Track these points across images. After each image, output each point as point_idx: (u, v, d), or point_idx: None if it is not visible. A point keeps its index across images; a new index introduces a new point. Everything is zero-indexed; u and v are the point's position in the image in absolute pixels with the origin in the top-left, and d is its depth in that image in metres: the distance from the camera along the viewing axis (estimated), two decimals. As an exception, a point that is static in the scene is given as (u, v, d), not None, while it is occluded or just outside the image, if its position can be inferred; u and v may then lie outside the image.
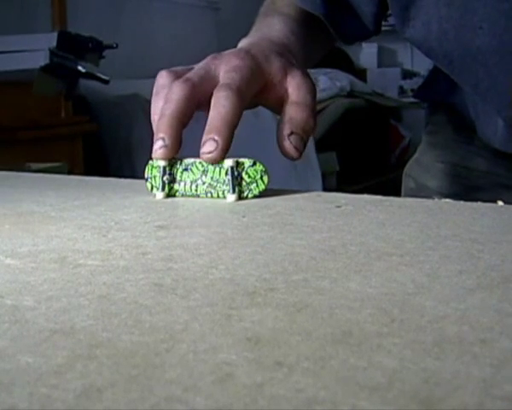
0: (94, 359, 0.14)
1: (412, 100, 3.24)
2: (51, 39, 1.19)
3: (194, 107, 0.36)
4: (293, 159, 0.37)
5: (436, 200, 0.32)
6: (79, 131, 1.66)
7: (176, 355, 0.14)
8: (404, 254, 0.22)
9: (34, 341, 0.15)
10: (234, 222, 0.28)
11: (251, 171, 0.34)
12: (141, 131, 1.64)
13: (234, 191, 0.33)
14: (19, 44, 1.21)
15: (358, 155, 2.46)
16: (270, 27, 0.45)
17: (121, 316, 0.17)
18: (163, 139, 0.34)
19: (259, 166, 0.34)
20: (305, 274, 0.20)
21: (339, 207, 0.31)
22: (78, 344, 0.15)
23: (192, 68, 0.38)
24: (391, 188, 0.58)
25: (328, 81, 2.42)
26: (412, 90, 3.33)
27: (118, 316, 0.17)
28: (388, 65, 3.36)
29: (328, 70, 2.46)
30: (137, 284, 0.20)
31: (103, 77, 1.30)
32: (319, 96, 2.22)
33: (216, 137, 0.33)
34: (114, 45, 1.29)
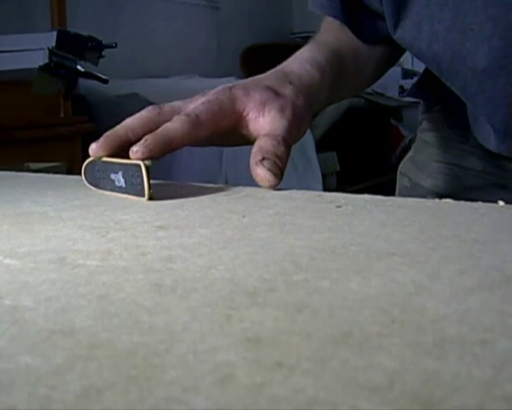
0: (93, 359, 0.14)
1: (413, 100, 3.23)
2: (50, 39, 1.19)
3: (151, 129, 0.37)
4: (271, 185, 0.36)
5: (436, 200, 0.32)
6: (78, 131, 1.66)
7: (175, 356, 0.14)
8: (405, 254, 0.22)
9: (33, 341, 0.15)
10: (234, 222, 0.28)
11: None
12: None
13: (148, 189, 0.34)
14: (18, 44, 1.21)
15: (359, 154, 2.46)
16: (294, 57, 0.46)
17: (121, 316, 0.17)
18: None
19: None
20: (305, 274, 0.20)
21: (339, 207, 0.31)
22: (77, 345, 0.15)
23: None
24: (391, 188, 0.58)
25: (328, 81, 2.41)
26: (412, 89, 3.32)
27: (117, 316, 0.17)
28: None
29: (328, 70, 2.45)
30: (137, 284, 0.20)
31: (102, 76, 1.30)
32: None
33: (148, 138, 0.35)
34: (114, 45, 1.29)
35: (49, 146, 1.54)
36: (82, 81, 1.41)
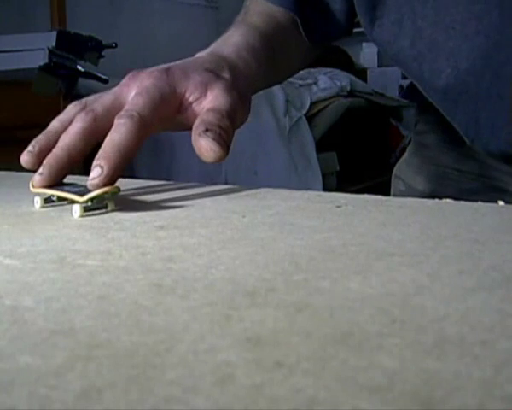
0: (93, 359, 0.14)
1: (412, 100, 3.23)
2: (50, 39, 1.19)
3: (94, 140, 0.34)
4: (216, 157, 0.33)
5: (436, 200, 0.32)
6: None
7: (175, 356, 0.14)
8: (405, 254, 0.22)
9: (33, 341, 0.15)
10: (234, 222, 0.28)
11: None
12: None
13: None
14: (18, 44, 1.21)
15: (359, 154, 2.46)
16: (226, 40, 0.44)
17: (121, 316, 0.17)
18: (42, 168, 0.33)
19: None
20: (305, 274, 0.20)
21: (339, 207, 0.31)
22: (77, 345, 0.15)
23: (107, 93, 0.37)
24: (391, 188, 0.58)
25: (329, 81, 2.42)
26: (412, 89, 3.31)
27: (117, 316, 0.17)
28: (389, 64, 3.35)
29: (329, 69, 2.45)
30: (137, 284, 0.20)
31: (102, 76, 1.30)
32: (319, 95, 2.23)
33: (102, 164, 0.31)
34: (114, 45, 1.29)
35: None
36: (82, 81, 1.40)
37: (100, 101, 0.36)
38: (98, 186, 0.31)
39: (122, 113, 0.34)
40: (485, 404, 0.12)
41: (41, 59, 1.17)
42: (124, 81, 0.37)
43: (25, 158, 0.35)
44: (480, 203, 0.31)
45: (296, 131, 2.05)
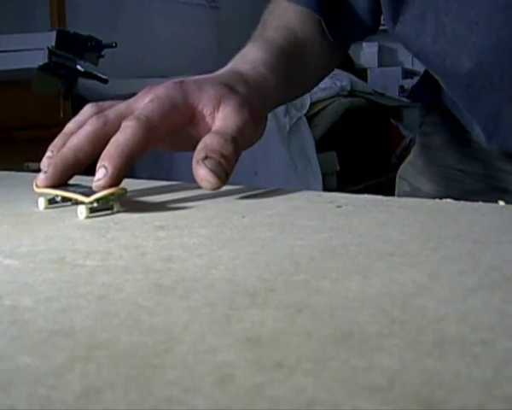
0: (93, 359, 0.14)
1: (413, 100, 3.23)
2: (50, 38, 1.19)
3: (102, 144, 0.33)
4: (212, 188, 0.32)
5: (437, 200, 0.32)
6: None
7: (175, 356, 0.14)
8: (405, 254, 0.22)
9: (33, 341, 0.15)
10: (234, 222, 0.28)
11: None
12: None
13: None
14: (17, 44, 1.21)
15: (359, 154, 2.46)
16: (244, 56, 0.43)
17: (120, 317, 0.17)
18: (47, 166, 0.33)
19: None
20: (305, 274, 0.20)
21: (339, 207, 0.31)
22: (77, 345, 0.15)
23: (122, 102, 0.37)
24: (391, 188, 0.58)
25: (329, 80, 2.42)
26: (413, 89, 3.32)
27: (117, 316, 0.17)
28: (389, 64, 3.36)
29: (328, 69, 2.45)
30: (137, 284, 0.19)
31: (102, 76, 1.30)
32: (319, 95, 2.22)
33: (106, 164, 0.31)
34: (113, 44, 1.29)
35: (48, 146, 1.54)
36: (82, 81, 1.41)
37: (113, 107, 0.36)
38: (103, 187, 0.31)
39: (129, 117, 0.34)
40: (485, 404, 0.12)
41: (40, 59, 1.17)
42: (139, 94, 0.37)
43: (44, 163, 0.34)
44: (480, 203, 0.31)
45: (296, 131, 2.05)
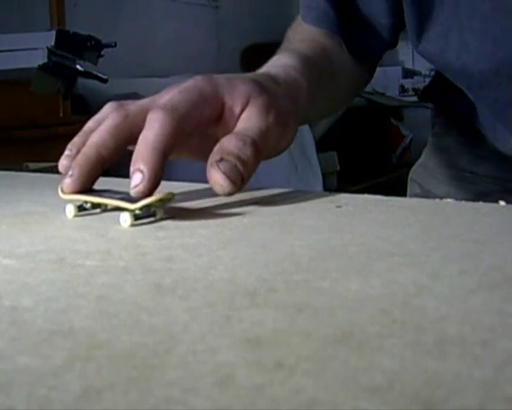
0: (93, 360, 0.14)
1: (414, 99, 3.24)
2: (49, 38, 1.19)
3: (125, 137, 0.31)
4: (225, 193, 0.30)
5: (437, 200, 0.32)
6: (78, 131, 1.65)
7: (175, 356, 0.14)
8: (405, 254, 0.22)
9: (33, 342, 0.15)
10: (234, 222, 0.28)
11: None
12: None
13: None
14: (17, 43, 1.21)
15: (359, 154, 2.46)
16: (272, 63, 0.41)
17: (120, 317, 0.17)
18: (72, 169, 0.31)
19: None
20: (305, 275, 0.20)
21: (339, 207, 0.31)
22: (76, 345, 0.15)
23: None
24: (392, 188, 0.58)
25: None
26: (414, 89, 3.33)
27: (117, 317, 0.17)
28: (389, 64, 3.36)
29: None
30: (137, 284, 0.19)
31: (102, 76, 1.30)
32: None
33: (141, 168, 0.29)
34: (113, 44, 1.29)
35: (48, 146, 1.54)
36: (81, 81, 1.40)
37: (139, 101, 0.34)
38: (143, 193, 0.28)
39: (154, 108, 0.31)
40: (485, 404, 0.12)
41: (40, 58, 1.17)
42: (165, 90, 0.34)
43: (63, 163, 0.32)
44: (480, 203, 0.31)
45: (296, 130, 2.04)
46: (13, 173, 0.49)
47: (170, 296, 0.18)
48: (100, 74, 1.29)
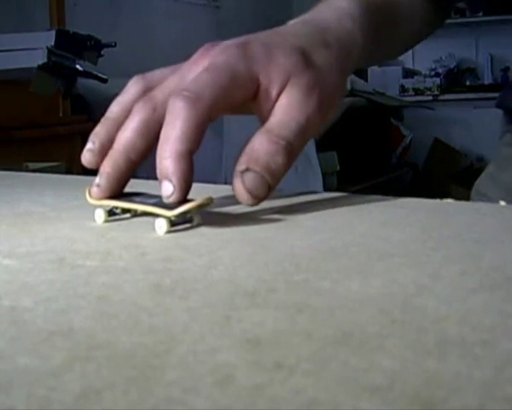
0: (93, 360, 0.14)
1: (414, 99, 3.24)
2: (49, 38, 1.19)
3: (155, 134, 0.28)
4: (249, 205, 0.28)
5: (438, 200, 0.32)
6: (78, 131, 1.66)
7: (175, 357, 0.14)
8: (406, 254, 0.22)
9: (32, 342, 0.15)
10: (234, 222, 0.28)
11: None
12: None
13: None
14: (16, 43, 1.21)
15: (359, 154, 2.46)
16: (329, 4, 0.35)
17: (120, 317, 0.17)
18: (99, 177, 0.28)
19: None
20: (305, 275, 0.20)
21: (340, 207, 0.31)
22: (76, 345, 0.15)
23: (174, 71, 0.31)
24: (392, 188, 0.58)
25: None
26: (414, 89, 3.33)
27: (117, 317, 0.17)
28: (389, 63, 3.36)
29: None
30: (136, 284, 0.19)
31: (102, 76, 1.29)
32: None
33: (169, 176, 0.26)
34: (113, 44, 1.28)
35: (48, 146, 1.54)
36: (81, 80, 1.40)
37: (162, 84, 0.30)
38: (177, 202, 0.26)
39: (177, 92, 0.27)
40: (485, 405, 0.12)
41: (40, 58, 1.17)
42: (194, 57, 0.31)
43: (86, 157, 0.29)
44: (481, 203, 0.31)
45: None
46: (12, 173, 0.49)
47: (170, 297, 0.18)
48: (100, 74, 1.29)
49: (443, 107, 3.21)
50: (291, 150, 0.29)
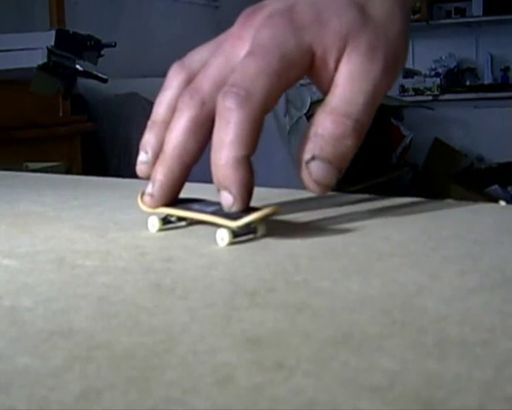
0: (92, 360, 0.14)
1: (414, 99, 3.25)
2: (49, 38, 1.19)
3: (207, 131, 0.26)
4: (317, 194, 0.26)
5: (438, 200, 0.32)
6: (77, 131, 1.66)
7: (175, 357, 0.14)
8: (406, 254, 0.22)
9: (32, 342, 0.15)
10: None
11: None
12: (140, 130, 1.64)
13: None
14: (16, 43, 1.21)
15: (359, 154, 2.45)
16: None
17: (120, 317, 0.17)
18: (152, 186, 0.26)
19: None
20: (305, 275, 0.20)
21: (339, 207, 0.31)
22: (76, 345, 0.15)
23: (215, 50, 0.28)
24: (391, 188, 0.58)
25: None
26: (414, 89, 3.33)
27: (116, 317, 0.17)
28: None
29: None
30: (136, 284, 0.19)
31: (102, 76, 1.30)
32: (320, 95, 2.22)
33: (228, 187, 0.24)
34: (113, 44, 1.28)
35: (47, 146, 1.54)
36: (81, 80, 1.40)
37: (206, 71, 0.27)
38: (238, 207, 0.24)
39: (226, 89, 0.25)
40: (486, 405, 0.12)
41: (40, 58, 1.17)
42: (235, 29, 0.27)
43: (142, 170, 0.28)
44: (481, 204, 0.31)
45: (296, 130, 2.05)
46: (12, 173, 0.49)
47: (170, 297, 0.18)
48: (100, 74, 1.29)
49: (443, 107, 3.21)
50: (360, 129, 0.26)
